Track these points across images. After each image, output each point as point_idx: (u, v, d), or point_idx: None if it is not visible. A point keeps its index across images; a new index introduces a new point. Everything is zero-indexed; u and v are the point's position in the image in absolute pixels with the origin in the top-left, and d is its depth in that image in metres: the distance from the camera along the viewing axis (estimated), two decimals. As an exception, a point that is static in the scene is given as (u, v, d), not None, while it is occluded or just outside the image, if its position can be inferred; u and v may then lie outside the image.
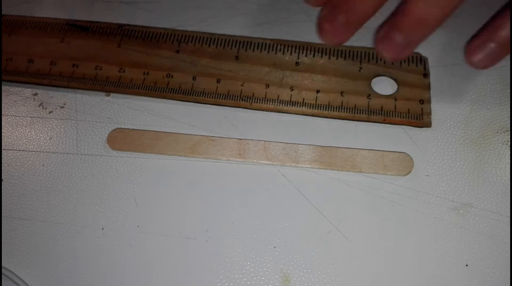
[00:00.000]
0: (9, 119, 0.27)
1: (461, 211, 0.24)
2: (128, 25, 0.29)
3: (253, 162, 0.25)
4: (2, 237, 0.24)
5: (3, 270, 0.23)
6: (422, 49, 0.27)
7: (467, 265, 0.23)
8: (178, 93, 0.27)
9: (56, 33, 0.29)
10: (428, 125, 0.25)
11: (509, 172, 0.24)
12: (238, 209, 0.24)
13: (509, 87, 0.27)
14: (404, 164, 0.24)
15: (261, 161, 0.25)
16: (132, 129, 0.26)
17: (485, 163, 0.25)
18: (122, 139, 0.26)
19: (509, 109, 0.26)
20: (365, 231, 0.23)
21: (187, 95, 0.27)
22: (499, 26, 0.24)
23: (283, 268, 0.23)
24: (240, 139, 0.25)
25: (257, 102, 0.26)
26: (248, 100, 0.26)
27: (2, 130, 0.27)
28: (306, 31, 0.29)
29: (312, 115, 0.26)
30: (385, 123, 0.26)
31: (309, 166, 0.25)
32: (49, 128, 0.27)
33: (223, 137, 0.25)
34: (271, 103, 0.26)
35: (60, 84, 0.28)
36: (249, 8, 0.30)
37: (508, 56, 0.27)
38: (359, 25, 0.24)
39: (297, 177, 0.25)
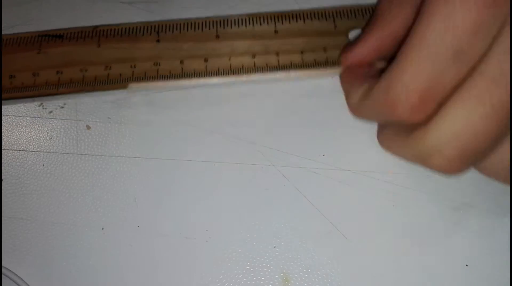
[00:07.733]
0: (9, 119, 0.27)
1: (461, 211, 0.24)
2: (102, 25, 0.29)
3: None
4: (2, 237, 0.24)
5: (3, 270, 0.23)
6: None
7: (467, 265, 0.23)
8: (169, 78, 0.27)
9: (30, 46, 0.28)
10: None
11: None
12: (238, 209, 0.24)
13: (509, 87, 0.26)
14: None
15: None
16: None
17: (485, 163, 0.25)
18: None
19: (509, 109, 0.26)
20: (365, 231, 0.23)
21: (179, 78, 0.27)
22: None
23: (283, 268, 0.23)
24: None
25: (247, 72, 0.27)
26: (240, 72, 0.27)
27: (2, 130, 0.27)
28: None
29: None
30: None
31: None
32: (49, 128, 0.27)
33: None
34: (261, 70, 0.27)
35: (49, 93, 0.27)
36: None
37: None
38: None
39: (297, 177, 0.25)
